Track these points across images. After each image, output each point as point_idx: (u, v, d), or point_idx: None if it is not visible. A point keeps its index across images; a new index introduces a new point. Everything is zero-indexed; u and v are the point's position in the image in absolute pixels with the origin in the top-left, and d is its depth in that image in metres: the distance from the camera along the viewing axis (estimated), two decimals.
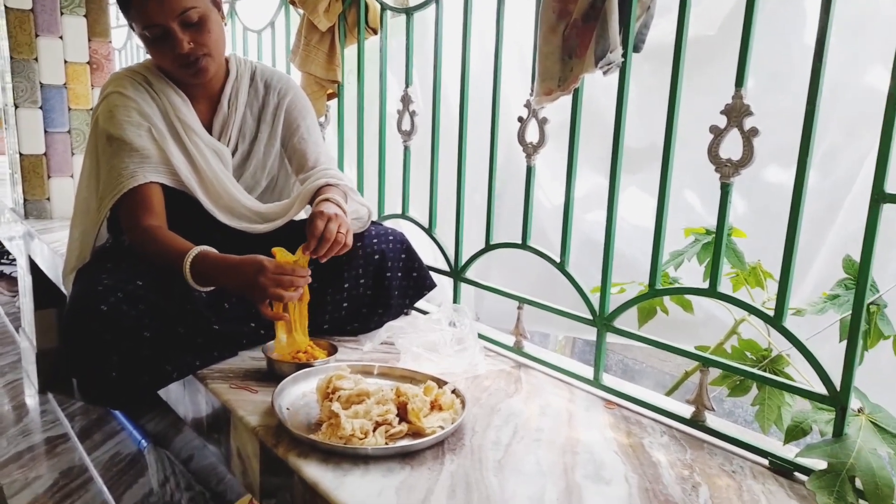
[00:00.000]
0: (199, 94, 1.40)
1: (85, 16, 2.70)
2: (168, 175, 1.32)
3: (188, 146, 1.35)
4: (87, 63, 2.73)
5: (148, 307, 1.17)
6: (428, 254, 1.61)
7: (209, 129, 1.41)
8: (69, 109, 2.71)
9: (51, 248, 2.12)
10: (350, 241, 1.23)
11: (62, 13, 2.62)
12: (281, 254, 1.18)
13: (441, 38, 1.49)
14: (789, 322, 0.99)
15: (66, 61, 2.67)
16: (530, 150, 1.31)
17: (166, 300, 1.20)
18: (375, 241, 1.44)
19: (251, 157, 1.46)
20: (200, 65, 1.29)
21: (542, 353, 1.38)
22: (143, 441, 2.00)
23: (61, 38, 2.63)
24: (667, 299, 1.40)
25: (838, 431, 0.93)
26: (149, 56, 1.36)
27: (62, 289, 1.48)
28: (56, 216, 2.68)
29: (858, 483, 0.88)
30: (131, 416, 2.18)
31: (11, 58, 2.51)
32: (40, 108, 2.61)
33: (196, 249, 1.18)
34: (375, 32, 1.73)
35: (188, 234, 1.25)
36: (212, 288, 1.21)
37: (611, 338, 1.24)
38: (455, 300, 1.56)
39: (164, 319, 1.19)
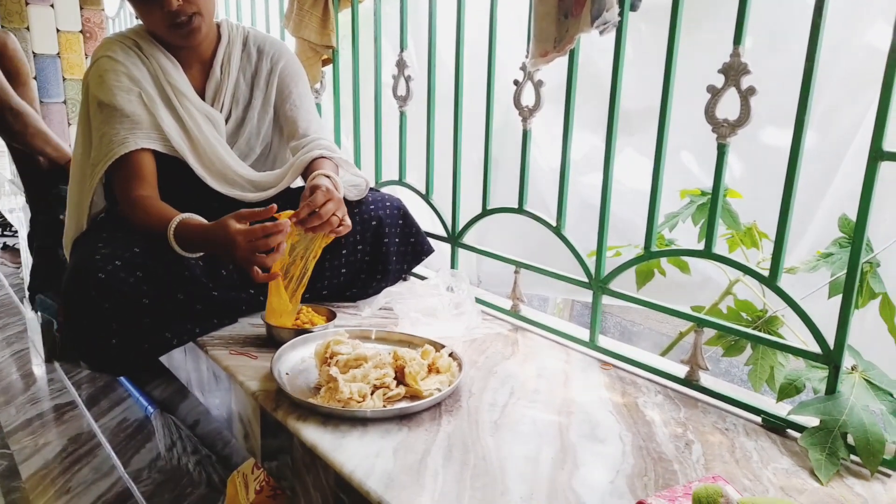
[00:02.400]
0: (191, 58, 1.38)
1: None
2: (160, 141, 1.32)
3: (179, 111, 1.34)
4: (80, 32, 2.70)
5: (146, 274, 1.18)
6: (426, 219, 1.61)
7: (202, 94, 1.40)
8: (63, 79, 2.69)
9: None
10: (348, 224, 1.20)
11: None
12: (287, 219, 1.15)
13: (435, 1, 1.47)
14: (784, 282, 0.99)
15: (58, 30, 2.64)
16: (526, 114, 1.30)
17: (164, 267, 1.20)
18: (373, 207, 1.44)
19: (245, 123, 1.45)
20: (192, 25, 1.27)
21: (538, 316, 1.39)
22: (149, 407, 2.03)
23: (52, 6, 2.59)
24: (664, 261, 1.40)
25: (831, 389, 0.94)
26: (140, 22, 1.34)
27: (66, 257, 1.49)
28: None
29: (850, 439, 0.90)
30: (137, 382, 2.21)
31: (2, 27, 2.48)
32: (34, 78, 2.59)
33: (178, 217, 1.18)
34: None
35: (184, 203, 1.24)
36: (201, 254, 1.21)
37: (608, 300, 1.24)
38: (453, 265, 1.56)
39: (162, 286, 1.20)
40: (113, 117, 1.29)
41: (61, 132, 2.70)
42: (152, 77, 1.34)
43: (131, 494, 1.70)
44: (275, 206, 1.12)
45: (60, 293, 1.18)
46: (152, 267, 1.19)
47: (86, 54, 2.71)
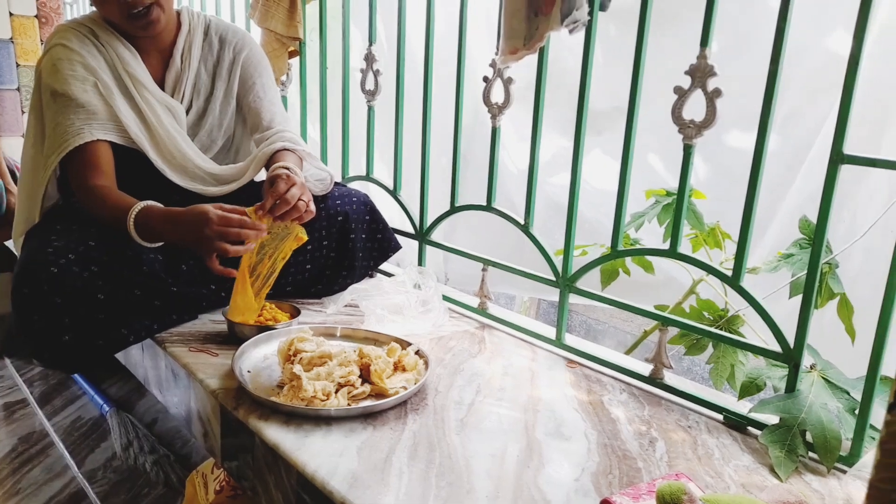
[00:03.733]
0: (150, 47, 1.33)
1: None
2: (117, 132, 1.27)
3: (138, 102, 1.29)
4: (35, 17, 2.61)
5: (101, 269, 1.13)
6: (393, 216, 1.59)
7: (161, 85, 1.35)
8: (17, 65, 2.59)
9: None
10: (312, 209, 1.18)
11: None
12: (253, 213, 1.13)
13: None
14: (746, 282, 1.01)
15: (11, 14, 2.53)
16: (495, 111, 1.30)
17: (120, 262, 1.16)
18: (339, 202, 1.42)
19: (206, 114, 1.41)
20: (150, 16, 1.23)
21: (505, 314, 1.38)
22: (105, 405, 1.97)
23: None
24: (628, 261, 1.42)
25: (791, 387, 0.96)
26: (95, 8, 1.29)
27: (15, 252, 1.43)
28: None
29: (809, 437, 0.91)
30: (92, 380, 2.14)
31: None
32: None
33: (140, 204, 1.14)
34: None
35: (142, 196, 1.20)
36: (160, 244, 1.18)
37: (574, 299, 1.25)
38: (420, 262, 1.55)
39: (118, 282, 1.16)
40: (67, 107, 1.24)
41: (14, 120, 2.60)
42: (109, 66, 1.29)
43: (85, 495, 1.64)
44: (247, 209, 1.11)
45: (11, 287, 1.13)
46: (108, 262, 1.15)
47: (41, 40, 2.62)
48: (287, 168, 1.21)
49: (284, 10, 1.73)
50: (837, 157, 0.88)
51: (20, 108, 2.61)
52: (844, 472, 0.90)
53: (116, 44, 1.30)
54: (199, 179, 1.35)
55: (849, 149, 0.87)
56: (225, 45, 1.41)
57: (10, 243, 2.05)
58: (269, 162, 1.31)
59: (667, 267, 1.52)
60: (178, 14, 1.37)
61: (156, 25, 1.25)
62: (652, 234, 1.38)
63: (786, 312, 1.00)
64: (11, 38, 2.54)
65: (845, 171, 0.88)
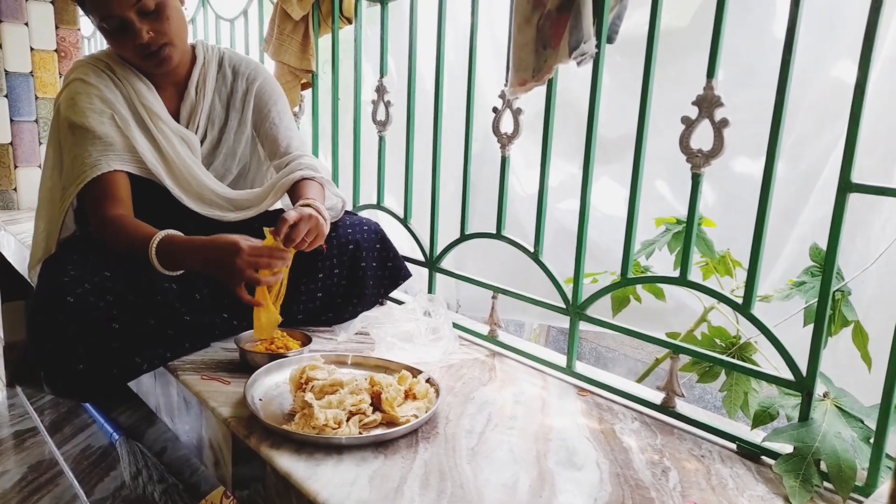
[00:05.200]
0: (165, 81, 1.37)
1: (52, 2, 2.63)
2: (133, 163, 1.30)
3: (154, 133, 1.32)
4: (55, 51, 2.67)
5: (116, 298, 1.15)
6: (404, 244, 1.60)
7: (176, 116, 1.38)
8: (36, 98, 2.65)
9: (18, 239, 2.07)
10: (320, 242, 1.21)
11: (27, 0, 2.55)
12: (271, 238, 1.15)
13: (416, 28, 1.49)
14: (757, 309, 1.01)
15: (32, 48, 2.60)
16: (505, 141, 1.32)
17: (135, 291, 1.18)
18: (350, 230, 1.43)
19: (221, 144, 1.43)
20: (163, 55, 1.26)
21: (515, 341, 1.38)
22: (114, 434, 1.97)
23: (27, 24, 2.56)
24: (639, 288, 1.42)
25: (804, 416, 0.95)
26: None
27: (29, 281, 1.45)
28: (23, 206, 2.62)
29: (823, 466, 0.90)
30: (103, 409, 2.14)
31: None
32: (5, 96, 2.55)
33: (163, 233, 1.17)
34: (350, 22, 1.71)
35: (158, 225, 1.22)
36: (180, 272, 1.20)
37: (584, 326, 1.25)
38: (430, 290, 1.56)
39: (133, 311, 1.17)
40: (85, 139, 1.27)
41: (31, 151, 2.65)
42: (126, 99, 1.32)
43: None
44: (266, 230, 1.14)
45: (26, 316, 1.15)
46: (123, 291, 1.16)
47: (60, 73, 2.68)
48: (310, 205, 1.23)
49: (297, 44, 1.77)
50: (846, 186, 0.88)
51: (38, 140, 2.66)
52: (861, 502, 0.89)
53: (133, 78, 1.33)
54: (216, 206, 1.37)
55: (859, 177, 0.87)
56: (238, 76, 1.45)
57: (24, 272, 2.08)
58: (292, 189, 1.33)
59: (678, 294, 1.52)
60: (193, 48, 1.41)
61: (169, 63, 1.28)
62: (663, 262, 1.38)
63: (800, 340, 0.99)
64: (31, 72, 2.61)
65: (858, 199, 0.89)
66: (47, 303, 1.12)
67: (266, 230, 1.15)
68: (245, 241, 1.12)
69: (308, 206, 1.23)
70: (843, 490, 0.88)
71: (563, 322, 1.28)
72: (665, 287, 1.42)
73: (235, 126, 1.44)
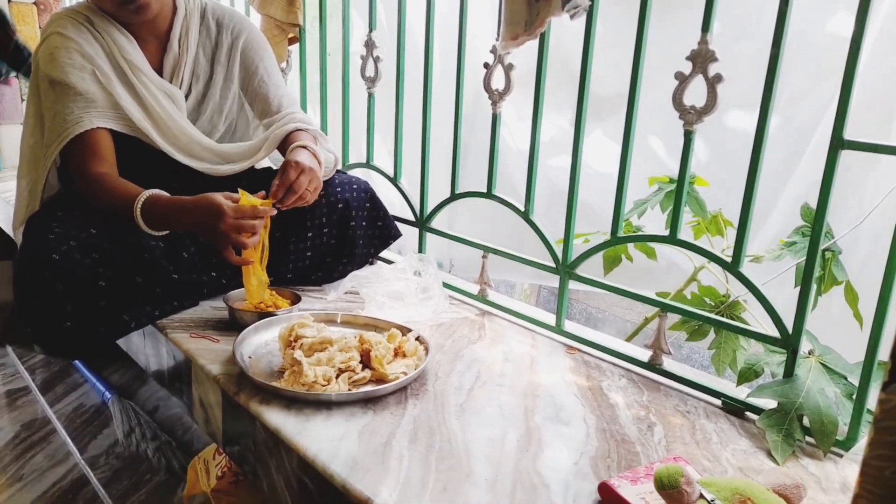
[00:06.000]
0: (146, 33, 1.32)
1: None
2: (117, 120, 1.27)
3: (137, 88, 1.29)
4: (34, 3, 2.59)
5: (102, 256, 1.14)
6: (394, 203, 1.59)
7: (159, 71, 1.34)
8: None
9: (2, 198, 2.04)
10: (315, 197, 1.23)
11: None
12: (246, 197, 1.15)
13: None
14: (748, 269, 1.01)
15: (10, 1, 2.52)
16: (496, 98, 1.29)
17: (121, 249, 1.16)
18: (339, 189, 1.41)
19: (207, 100, 1.40)
20: (140, 2, 1.22)
21: (505, 300, 1.39)
22: (107, 392, 1.98)
23: None
24: (631, 247, 1.41)
25: (789, 372, 0.96)
26: None
27: (15, 240, 1.43)
28: (7, 165, 2.58)
29: (806, 421, 0.92)
30: (94, 367, 2.14)
31: None
32: None
33: (147, 192, 1.15)
34: None
35: (142, 183, 1.20)
36: (166, 232, 1.18)
37: (574, 285, 1.25)
38: (420, 249, 1.55)
39: (120, 269, 1.16)
40: (66, 95, 1.24)
41: (13, 108, 2.59)
42: (106, 54, 1.28)
43: (88, 481, 1.66)
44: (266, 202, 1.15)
45: (12, 275, 1.14)
46: (109, 249, 1.15)
47: (40, 27, 2.61)
48: (305, 147, 1.25)
49: None
50: (838, 143, 0.87)
51: (20, 97, 2.60)
52: (841, 456, 0.90)
53: (113, 31, 1.29)
54: (206, 160, 1.35)
55: (858, 134, 0.86)
56: (223, 28, 1.41)
57: (9, 231, 2.06)
58: (284, 142, 1.32)
59: (669, 253, 1.52)
60: None
61: (147, 10, 1.24)
62: (655, 221, 1.37)
63: (790, 299, 0.99)
64: None
65: (853, 157, 0.88)
66: (32, 261, 1.10)
67: (240, 191, 1.15)
68: (229, 204, 1.11)
69: (301, 147, 1.23)
70: (824, 444, 0.89)
71: (554, 282, 1.28)
72: (656, 246, 1.42)
73: (221, 81, 1.41)
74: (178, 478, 1.64)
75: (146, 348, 1.29)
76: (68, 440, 1.82)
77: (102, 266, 1.14)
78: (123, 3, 1.22)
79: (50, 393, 2.08)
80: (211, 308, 1.30)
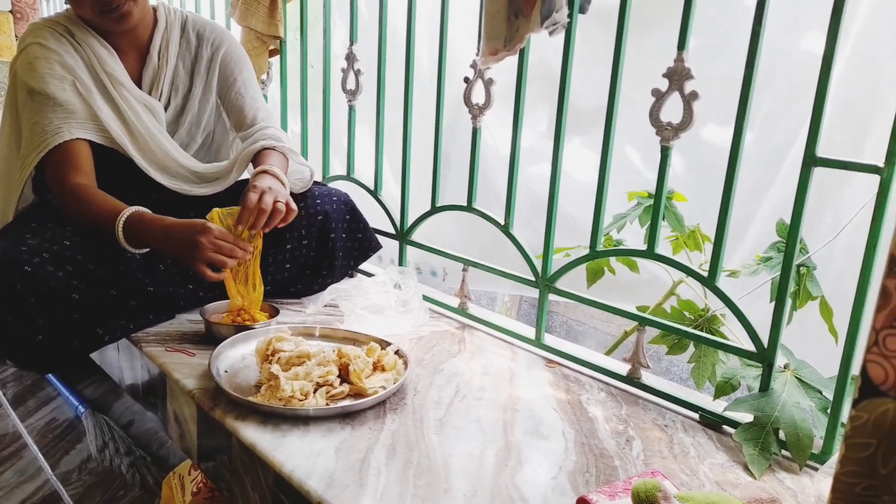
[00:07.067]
0: (126, 45, 1.32)
1: None
2: (96, 131, 1.25)
3: (117, 100, 1.28)
4: (10, 12, 2.56)
5: (76, 268, 1.12)
6: (375, 216, 1.58)
7: (138, 83, 1.33)
8: None
9: None
10: (293, 208, 1.19)
11: None
12: (217, 216, 1.14)
13: None
14: (725, 284, 1.02)
15: None
16: (476, 112, 1.30)
17: (96, 261, 1.15)
18: (319, 201, 1.41)
19: (185, 112, 1.39)
20: (122, 10, 1.21)
21: (485, 314, 1.39)
22: (80, 407, 1.94)
23: None
24: (613, 260, 1.42)
25: (765, 386, 0.97)
26: (69, 6, 1.27)
27: None
28: None
29: (782, 435, 0.92)
30: (67, 381, 2.10)
31: None
32: None
33: (129, 210, 1.13)
34: None
35: (121, 196, 1.19)
36: (146, 250, 1.17)
37: (555, 298, 1.25)
38: (401, 262, 1.55)
39: (93, 281, 1.14)
40: (45, 106, 1.22)
41: None
42: (86, 65, 1.27)
43: (59, 498, 1.62)
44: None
45: None
46: (83, 261, 1.13)
47: (16, 36, 2.57)
48: (266, 171, 1.22)
49: (265, 9, 1.72)
50: (810, 160, 0.89)
51: None
52: (816, 469, 0.91)
53: (93, 42, 1.28)
54: (181, 178, 1.34)
55: (832, 151, 0.88)
56: (203, 41, 1.40)
57: None
58: (254, 162, 1.30)
59: (651, 267, 1.53)
60: (155, 10, 1.36)
61: (128, 19, 1.23)
62: (635, 235, 1.38)
63: (766, 314, 1.00)
64: None
65: (828, 174, 0.89)
66: (5, 272, 1.08)
67: (214, 211, 1.14)
68: (216, 227, 1.11)
69: (262, 173, 1.21)
70: (799, 457, 0.90)
71: (535, 294, 1.29)
72: (638, 260, 1.43)
73: (200, 93, 1.40)
74: (152, 494, 1.61)
75: (121, 362, 1.27)
76: (40, 455, 1.78)
77: (76, 279, 1.12)
78: (105, 12, 1.21)
79: (21, 407, 2.03)
80: (187, 321, 1.28)
